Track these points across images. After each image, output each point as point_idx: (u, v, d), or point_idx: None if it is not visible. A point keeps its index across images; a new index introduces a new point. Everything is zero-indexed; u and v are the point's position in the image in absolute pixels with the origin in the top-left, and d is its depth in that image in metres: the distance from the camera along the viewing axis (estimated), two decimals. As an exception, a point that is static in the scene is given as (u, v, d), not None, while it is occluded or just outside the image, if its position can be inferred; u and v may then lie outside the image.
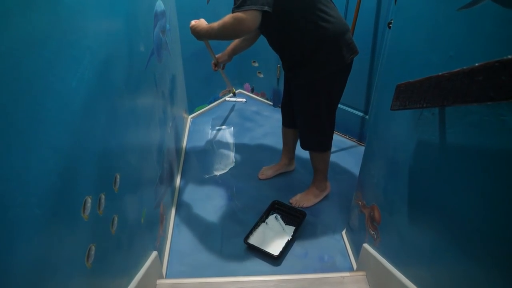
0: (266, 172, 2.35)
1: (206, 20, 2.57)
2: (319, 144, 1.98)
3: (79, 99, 0.86)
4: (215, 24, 1.60)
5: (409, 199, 1.23)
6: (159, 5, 1.84)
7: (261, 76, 3.05)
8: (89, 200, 0.91)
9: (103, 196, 1.01)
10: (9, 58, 0.59)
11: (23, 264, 0.64)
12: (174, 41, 2.33)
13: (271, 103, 3.12)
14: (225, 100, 2.96)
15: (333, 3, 1.65)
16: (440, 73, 0.90)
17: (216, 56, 2.16)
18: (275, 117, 2.92)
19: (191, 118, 2.94)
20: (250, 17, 1.43)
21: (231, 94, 2.74)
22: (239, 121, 2.92)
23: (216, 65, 2.18)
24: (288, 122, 2.15)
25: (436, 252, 1.09)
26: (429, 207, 1.11)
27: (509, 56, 0.66)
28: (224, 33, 1.57)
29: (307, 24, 1.56)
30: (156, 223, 1.65)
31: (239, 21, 1.45)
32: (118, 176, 1.13)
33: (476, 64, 0.75)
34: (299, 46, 1.65)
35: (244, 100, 2.91)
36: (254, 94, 3.23)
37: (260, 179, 2.33)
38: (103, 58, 1.02)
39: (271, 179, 2.34)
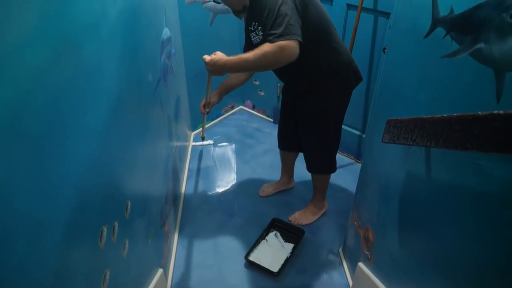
0: (267, 189, 2.44)
1: (210, 43, 2.69)
2: (327, 167, 2.08)
3: (96, 137, 0.95)
4: (249, 55, 1.51)
5: (399, 224, 1.31)
6: (165, 33, 1.94)
7: (262, 94, 3.15)
8: (105, 229, 1.00)
9: (116, 224, 1.09)
10: (39, 111, 0.68)
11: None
12: (179, 63, 2.43)
13: (272, 120, 3.22)
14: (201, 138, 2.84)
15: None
16: (424, 116, 0.99)
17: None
18: (275, 134, 2.98)
19: (194, 134, 3.03)
20: (293, 46, 1.44)
21: (200, 139, 2.65)
22: (240, 138, 3.02)
23: (205, 106, 2.11)
24: (286, 145, 2.24)
25: (424, 275, 1.17)
26: (418, 233, 1.20)
27: (480, 112, 0.75)
28: (264, 63, 1.50)
29: (322, 55, 1.65)
30: (161, 241, 1.73)
31: (283, 49, 1.43)
32: (129, 203, 1.22)
33: (454, 115, 0.84)
34: (312, 74, 1.73)
35: (211, 142, 2.90)
36: (255, 111, 3.32)
37: (260, 196, 2.42)
38: (116, 96, 1.11)
39: (271, 196, 2.43)
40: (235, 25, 2.82)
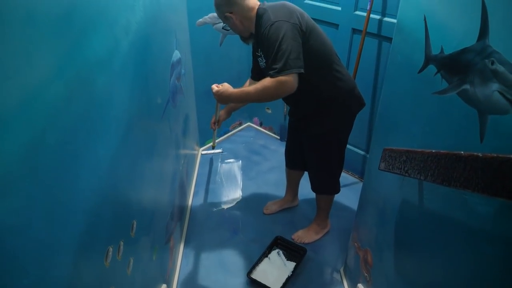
0: (271, 207, 2.49)
1: (219, 62, 2.78)
2: (331, 188, 2.14)
3: (105, 163, 1.02)
4: (251, 89, 1.61)
5: (394, 249, 1.35)
6: (176, 55, 2.02)
7: (269, 111, 3.21)
8: (110, 249, 1.06)
9: (122, 243, 1.15)
10: (53, 146, 0.75)
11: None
12: (188, 81, 2.51)
13: (278, 137, 3.27)
14: (210, 148, 2.98)
15: (342, 62, 1.82)
16: (415, 149, 1.04)
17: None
18: (281, 151, 3.03)
19: (202, 150, 3.10)
20: (292, 79, 1.51)
21: (211, 148, 2.79)
22: (247, 155, 3.08)
23: (215, 123, 2.22)
24: (292, 164, 2.30)
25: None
26: (411, 258, 1.24)
27: (463, 152, 0.80)
28: (264, 96, 1.59)
29: (324, 82, 1.71)
30: (166, 256, 1.79)
31: (283, 83, 1.51)
32: (135, 223, 1.28)
33: (441, 151, 0.89)
34: (314, 101, 1.80)
35: (221, 150, 2.99)
36: (262, 128, 3.39)
37: (265, 213, 2.47)
38: (126, 122, 1.18)
39: (275, 214, 2.47)
40: (244, 46, 2.88)
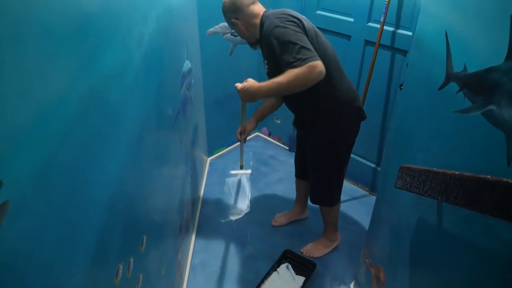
0: (280, 219, 2.45)
1: (229, 72, 2.76)
2: (326, 200, 2.09)
3: (116, 180, 1.00)
4: (281, 78, 1.53)
5: (410, 269, 1.31)
6: (186, 65, 2.00)
7: (278, 122, 3.18)
8: (121, 267, 1.03)
9: (132, 260, 1.13)
10: (65, 164, 0.72)
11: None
12: (198, 91, 2.50)
13: (287, 148, 3.24)
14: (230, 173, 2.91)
15: (345, 73, 1.79)
16: (436, 169, 1.01)
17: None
18: (290, 162, 3.01)
19: (210, 160, 3.07)
20: (320, 64, 1.48)
21: (239, 168, 2.62)
22: (255, 165, 3.04)
23: (241, 133, 2.17)
24: (300, 174, 2.27)
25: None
26: (427, 279, 1.20)
27: (490, 177, 0.77)
28: (296, 84, 1.52)
29: (321, 92, 1.69)
30: (173, 270, 1.76)
31: (314, 68, 1.47)
32: (145, 238, 1.25)
33: (465, 174, 0.86)
34: (312, 108, 1.78)
35: (249, 171, 2.87)
36: (271, 138, 3.36)
37: (273, 226, 2.43)
38: (136, 135, 1.16)
39: (284, 226, 2.43)
40: (254, 55, 2.89)
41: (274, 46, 1.56)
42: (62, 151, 0.69)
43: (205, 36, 2.51)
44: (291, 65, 1.50)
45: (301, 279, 2.03)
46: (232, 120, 3.09)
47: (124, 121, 1.05)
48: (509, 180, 0.71)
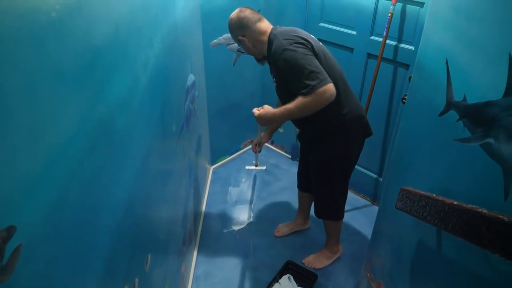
0: (282, 229, 2.47)
1: (233, 82, 2.79)
2: (332, 214, 2.12)
3: (123, 206, 1.02)
4: (292, 106, 1.60)
5: (410, 287, 1.33)
6: (190, 79, 2.03)
7: (281, 131, 3.20)
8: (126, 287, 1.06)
9: (136, 280, 1.15)
10: (75, 200, 0.75)
11: None
12: (201, 102, 2.52)
13: (290, 156, 3.26)
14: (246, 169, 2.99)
15: (351, 90, 1.81)
16: (436, 196, 1.03)
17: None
18: (293, 170, 3.04)
19: (213, 168, 3.10)
20: (330, 87, 1.53)
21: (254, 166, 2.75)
22: (258, 174, 3.06)
23: (257, 145, 2.33)
24: (303, 187, 2.29)
25: None
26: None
27: (487, 212, 0.79)
28: (307, 110, 1.60)
29: (330, 109, 1.69)
30: (177, 282, 1.78)
31: (322, 94, 1.53)
32: (149, 256, 1.28)
33: (464, 205, 0.88)
34: (319, 126, 1.80)
35: (264, 168, 2.90)
36: (274, 147, 3.38)
37: (275, 236, 2.45)
38: (142, 159, 1.19)
39: (286, 236, 2.46)
40: (257, 66, 2.89)
41: (283, 69, 1.60)
42: (72, 188, 0.71)
43: (209, 48, 2.54)
44: (301, 92, 1.55)
45: (302, 291, 2.05)
46: (235, 129, 3.11)
47: (130, 148, 1.07)
48: (505, 218, 0.72)
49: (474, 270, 0.95)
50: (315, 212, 2.15)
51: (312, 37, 1.69)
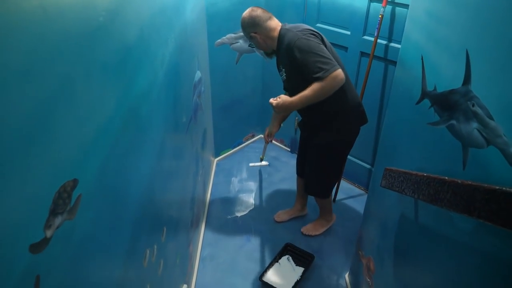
0: (282, 215, 2.66)
1: (236, 79, 2.98)
2: (319, 192, 2.36)
3: (146, 181, 1.20)
4: (308, 92, 1.78)
5: (394, 257, 1.51)
6: (197, 75, 2.21)
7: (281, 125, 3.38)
8: (147, 252, 1.24)
9: (155, 247, 1.34)
10: (114, 169, 0.93)
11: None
12: (206, 97, 2.70)
13: (289, 149, 3.45)
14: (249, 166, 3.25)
15: (351, 81, 2.02)
16: (410, 171, 1.21)
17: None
18: (291, 163, 3.23)
19: (216, 160, 3.28)
20: (340, 72, 1.74)
21: (259, 160, 3.05)
22: (259, 166, 3.25)
23: (270, 135, 2.54)
24: (302, 172, 2.49)
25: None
26: (408, 265, 1.40)
27: (447, 178, 0.97)
28: (322, 94, 1.77)
29: (335, 95, 1.84)
30: (186, 260, 1.97)
31: (335, 78, 1.72)
32: (165, 229, 1.46)
33: (426, 175, 1.06)
34: (324, 111, 2.00)
35: (267, 163, 3.16)
36: (274, 140, 3.56)
37: (276, 221, 2.64)
38: (159, 143, 1.37)
39: (285, 222, 2.64)
40: (258, 63, 3.10)
41: (297, 56, 1.78)
42: (111, 158, 0.90)
43: (214, 47, 2.72)
44: (315, 75, 1.74)
45: (300, 270, 2.24)
46: (237, 123, 3.30)
47: (151, 132, 1.26)
48: (459, 181, 0.91)
49: (443, 232, 1.13)
50: (305, 189, 2.39)
51: (320, 32, 1.90)
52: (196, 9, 2.16)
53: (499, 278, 0.87)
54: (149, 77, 1.22)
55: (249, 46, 2.16)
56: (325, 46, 1.83)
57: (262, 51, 2.69)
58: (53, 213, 0.66)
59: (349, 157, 2.92)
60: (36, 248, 0.61)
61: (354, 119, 2.06)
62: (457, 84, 1.04)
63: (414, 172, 1.18)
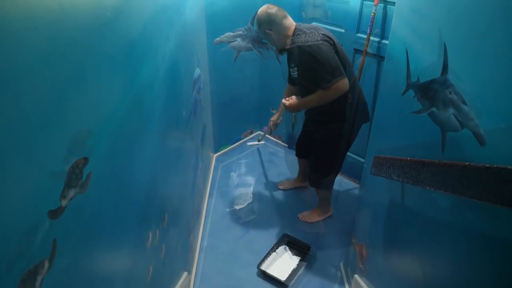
0: (285, 184, 2.96)
1: (234, 76, 3.07)
2: (312, 181, 2.50)
3: (149, 168, 1.29)
4: (313, 97, 1.99)
5: (383, 242, 1.60)
6: (197, 72, 2.30)
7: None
8: (150, 235, 1.33)
9: (157, 232, 1.42)
10: (123, 147, 1.01)
11: (119, 282, 1.06)
12: (205, 94, 2.79)
13: (286, 145, 3.53)
14: (246, 144, 3.43)
15: (358, 81, 2.21)
16: (395, 157, 1.30)
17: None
18: (289, 158, 3.32)
19: (216, 156, 3.37)
20: (344, 82, 1.90)
21: (258, 140, 3.32)
22: (257, 161, 3.34)
23: (274, 126, 2.71)
24: (302, 154, 2.67)
25: (401, 281, 1.45)
26: (396, 248, 1.48)
27: (427, 160, 1.06)
28: (324, 100, 1.98)
29: (346, 93, 2.01)
30: (187, 249, 2.05)
31: (338, 88, 1.91)
32: (166, 216, 1.54)
33: (413, 159, 1.14)
34: (336, 107, 2.10)
35: (263, 142, 3.37)
36: (272, 137, 3.65)
37: (279, 189, 2.92)
38: (162, 134, 1.45)
39: (283, 209, 2.77)
40: (256, 61, 3.18)
41: (307, 60, 1.90)
42: (118, 143, 0.99)
43: (213, 45, 2.80)
44: (320, 83, 1.90)
45: (297, 259, 2.32)
46: (236, 120, 3.38)
47: (153, 122, 1.34)
48: (436, 161, 0.99)
49: (424, 211, 1.21)
50: (309, 182, 2.54)
51: (332, 35, 2.01)
52: (195, 8, 2.24)
53: (473, 250, 0.95)
54: (152, 70, 1.30)
55: (261, 41, 2.28)
56: (337, 49, 1.94)
57: (260, 50, 2.89)
58: (68, 185, 0.74)
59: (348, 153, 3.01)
60: (53, 214, 0.70)
61: (360, 116, 2.25)
62: (437, 73, 1.12)
63: (399, 158, 1.26)
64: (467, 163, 0.84)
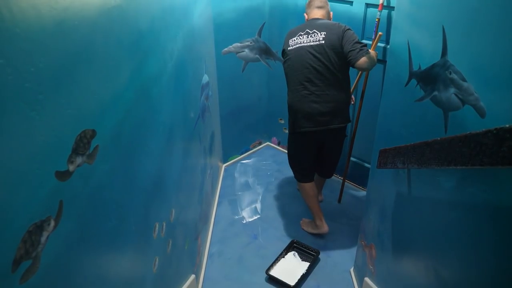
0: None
1: (242, 87, 3.12)
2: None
3: (156, 156, 1.31)
4: (372, 55, 2.13)
5: (392, 239, 1.58)
6: (205, 78, 2.34)
7: (287, 131, 3.48)
8: (157, 225, 1.34)
9: (164, 224, 1.43)
10: (129, 133, 1.04)
11: (124, 265, 1.07)
12: (214, 103, 2.83)
13: (294, 154, 3.54)
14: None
15: None
16: (400, 145, 1.30)
17: None
18: (298, 168, 3.33)
19: (224, 166, 3.38)
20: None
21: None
22: (266, 170, 3.34)
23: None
24: (311, 177, 2.54)
25: (410, 280, 1.43)
26: (405, 242, 1.47)
27: (429, 140, 1.06)
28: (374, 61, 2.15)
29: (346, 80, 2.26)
30: (194, 252, 2.05)
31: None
32: (173, 211, 1.56)
33: (417, 142, 1.15)
34: (343, 97, 2.25)
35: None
36: (280, 147, 3.66)
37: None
38: (168, 127, 1.48)
39: (292, 220, 2.73)
40: (264, 71, 3.23)
41: (347, 35, 2.13)
42: (125, 124, 1.02)
43: (221, 55, 2.87)
44: (362, 49, 2.08)
45: (306, 265, 2.29)
46: (244, 130, 3.41)
47: (161, 114, 1.37)
48: (439, 139, 1.00)
49: (430, 196, 1.21)
50: (328, 175, 2.67)
51: None
52: (203, 15, 2.31)
53: (479, 229, 0.94)
54: (159, 64, 1.34)
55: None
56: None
57: (268, 61, 2.97)
58: (75, 152, 0.77)
59: (352, 158, 3.01)
60: (60, 176, 0.72)
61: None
62: (437, 58, 1.14)
63: (404, 145, 1.27)
64: (467, 133, 0.85)
